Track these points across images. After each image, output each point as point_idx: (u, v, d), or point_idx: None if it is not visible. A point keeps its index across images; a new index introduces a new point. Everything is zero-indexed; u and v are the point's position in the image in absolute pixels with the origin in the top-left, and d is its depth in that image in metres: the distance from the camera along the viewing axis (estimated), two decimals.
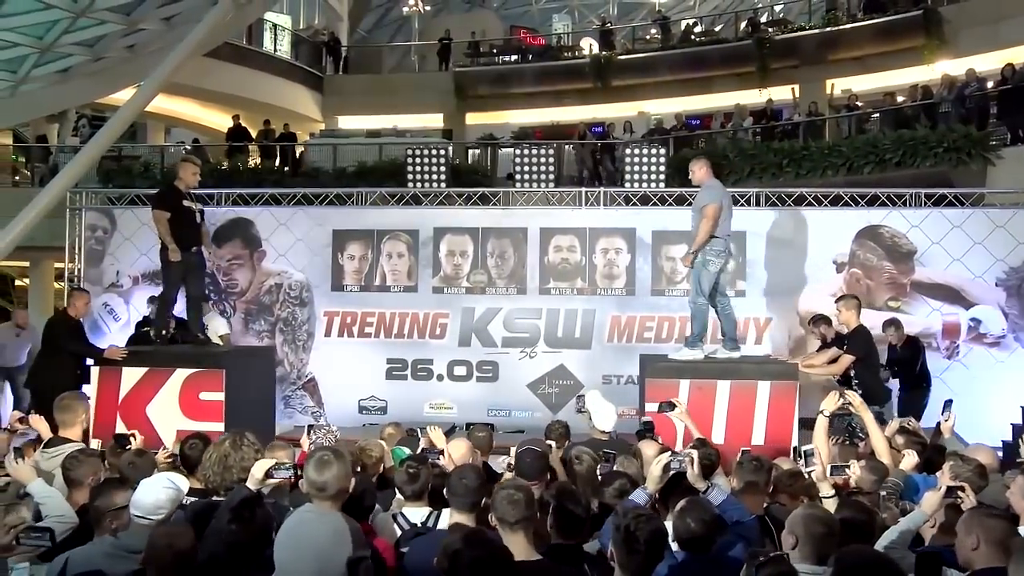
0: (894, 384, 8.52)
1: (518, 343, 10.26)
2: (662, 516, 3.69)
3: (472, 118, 22.08)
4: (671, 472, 3.82)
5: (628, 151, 11.06)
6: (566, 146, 16.24)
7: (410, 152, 11.08)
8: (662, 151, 10.88)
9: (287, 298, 10.69)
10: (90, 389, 7.25)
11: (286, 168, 16.17)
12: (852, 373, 7.48)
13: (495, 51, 23.15)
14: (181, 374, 7.13)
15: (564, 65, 21.65)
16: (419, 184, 10.88)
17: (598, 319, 10.21)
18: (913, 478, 4.68)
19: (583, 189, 11.18)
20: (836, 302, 7.70)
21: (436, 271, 10.48)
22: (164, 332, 7.87)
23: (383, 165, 14.31)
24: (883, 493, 4.33)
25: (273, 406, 8.94)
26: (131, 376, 7.18)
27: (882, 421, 7.06)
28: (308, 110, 21.63)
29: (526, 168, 10.94)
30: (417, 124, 21.16)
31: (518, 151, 11.37)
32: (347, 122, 22.10)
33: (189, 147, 17.86)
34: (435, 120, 21.98)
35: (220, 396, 7.05)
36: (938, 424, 5.90)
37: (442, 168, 10.95)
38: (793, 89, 18.44)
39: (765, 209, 10.23)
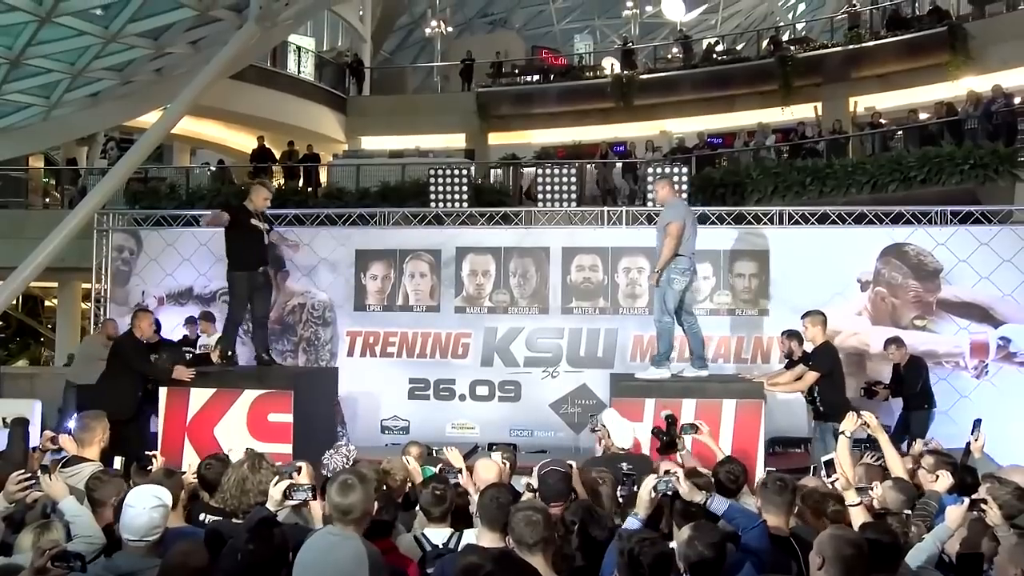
0: (897, 403, 8.48)
1: (540, 363, 10.26)
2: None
3: (494, 138, 22.16)
4: (660, 494, 3.73)
5: (650, 170, 11.09)
6: (588, 165, 16.25)
7: (433, 172, 11.17)
8: (684, 170, 10.91)
9: (310, 318, 10.75)
10: (160, 410, 7.29)
11: (310, 188, 16.30)
12: (816, 389, 7.44)
13: (517, 71, 23.26)
14: (249, 395, 7.14)
15: (586, 85, 21.73)
16: (441, 204, 10.96)
17: (620, 339, 10.21)
18: (945, 500, 4.60)
19: (605, 208, 11.23)
20: (802, 318, 7.64)
21: (458, 291, 10.52)
22: (230, 353, 7.87)
23: (406, 185, 14.35)
24: (913, 515, 4.26)
25: (336, 427, 8.90)
26: (199, 397, 7.21)
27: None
28: (331, 131, 21.78)
29: (548, 187, 10.98)
30: (440, 144, 21.23)
31: (540, 170, 11.43)
32: (370, 143, 22.22)
33: (214, 168, 18.04)
34: (458, 140, 22.08)
35: (288, 418, 7.04)
36: (968, 445, 5.81)
37: (464, 188, 11.02)
38: (816, 107, 18.35)
39: (789, 227, 10.23)
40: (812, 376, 7.37)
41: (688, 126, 19.85)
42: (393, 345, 10.49)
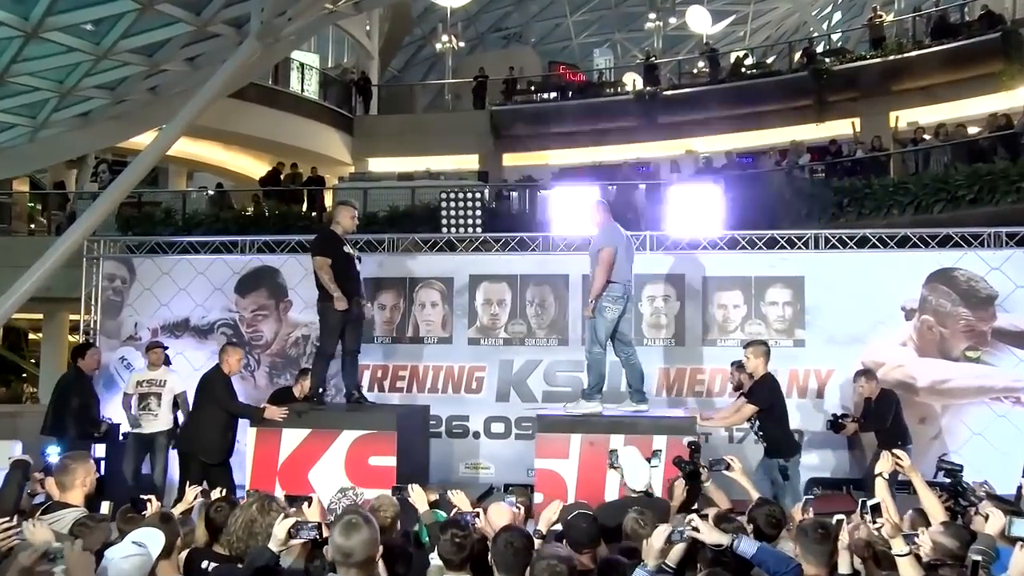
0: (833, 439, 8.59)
1: (560, 397, 9.82)
2: None
3: (509, 159, 22.30)
4: (675, 544, 3.65)
5: (676, 192, 11.05)
6: (609, 187, 16.17)
7: (444, 195, 11.16)
8: (715, 190, 10.82)
9: (314, 351, 10.64)
10: (248, 452, 7.34)
11: (314, 213, 16.36)
12: (756, 424, 7.50)
13: (533, 88, 23.51)
14: (348, 436, 7.13)
15: (606, 102, 21.85)
16: (454, 229, 10.96)
17: (645, 371, 9.96)
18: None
19: (628, 233, 11.03)
20: (745, 348, 7.72)
21: (472, 321, 10.47)
22: (321, 390, 7.90)
23: (416, 209, 14.41)
24: (978, 559, 4.14)
25: (427, 469, 8.88)
26: (292, 438, 7.21)
27: (785, 476, 7.38)
28: (337, 152, 21.94)
29: (566, 211, 10.91)
30: (451, 166, 21.33)
31: (558, 194, 11.41)
32: (378, 164, 22.38)
33: (212, 192, 18.17)
34: (470, 162, 22.22)
35: (391, 461, 7.01)
36: (1020, 488, 5.71)
37: (478, 212, 10.99)
38: (853, 123, 18.32)
39: (825, 252, 10.15)
40: (748, 410, 7.45)
41: (715, 144, 19.89)
42: (403, 379, 10.42)
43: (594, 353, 7.40)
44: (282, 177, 18.10)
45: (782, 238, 10.41)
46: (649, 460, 5.98)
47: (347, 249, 7.80)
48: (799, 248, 10.20)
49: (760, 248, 10.39)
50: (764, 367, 7.55)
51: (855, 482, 8.95)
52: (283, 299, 10.81)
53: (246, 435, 7.59)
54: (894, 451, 4.91)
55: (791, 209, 13.61)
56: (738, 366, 8.28)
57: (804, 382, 9.74)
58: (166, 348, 9.60)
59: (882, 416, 8.47)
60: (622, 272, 7.36)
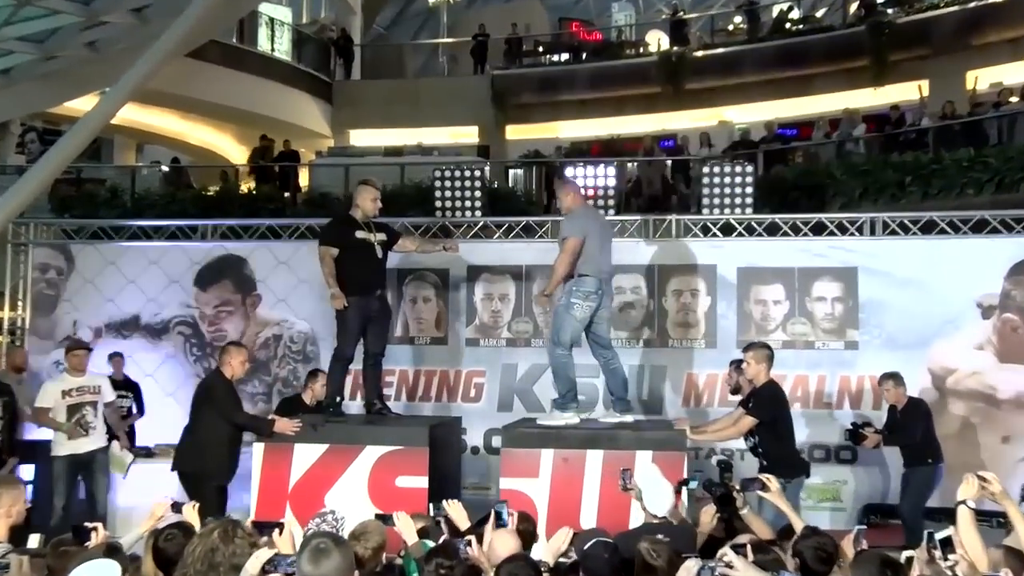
0: (893, 455, 8.60)
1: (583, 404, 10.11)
2: None
3: (514, 131, 22.30)
4: None
5: (706, 170, 11.04)
6: (629, 164, 16.27)
7: (438, 174, 11.18)
8: (748, 169, 10.80)
9: (288, 353, 10.80)
10: (254, 471, 7.37)
11: (287, 194, 16.37)
12: (755, 439, 7.46)
13: (541, 49, 23.48)
14: (372, 453, 7.16)
15: (626, 65, 21.82)
16: (449, 213, 10.97)
17: (671, 377, 10.17)
18: None
19: (651, 217, 11.17)
20: (744, 351, 7.68)
21: (470, 319, 10.53)
22: (339, 399, 7.96)
23: (405, 190, 14.40)
24: None
25: (460, 491, 8.90)
26: (306, 455, 7.25)
27: (795, 501, 7.11)
28: (314, 123, 21.97)
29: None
30: (447, 140, 21.37)
31: (570, 171, 11.42)
32: (361, 138, 22.44)
33: (166, 168, 18.17)
34: (469, 134, 22.29)
35: (423, 482, 7.03)
36: None
37: (477, 193, 11.03)
38: (920, 86, 17.88)
39: (883, 239, 10.12)
40: (747, 423, 7.38)
41: (754, 114, 19.87)
42: (390, 386, 10.35)
43: (556, 356, 7.44)
44: (274, 155, 18.18)
45: (832, 223, 10.40)
46: (684, 484, 5.98)
47: (363, 235, 7.81)
48: (852, 234, 10.17)
49: (806, 234, 10.39)
50: (766, 374, 7.50)
51: (890, 508, 9.07)
52: (251, 293, 10.87)
53: (251, 452, 7.57)
54: (980, 473, 4.72)
55: (843, 189, 13.53)
56: (736, 366, 8.25)
57: (857, 392, 9.72)
58: (90, 349, 9.39)
59: (910, 428, 8.45)
60: (596, 264, 7.37)
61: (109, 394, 9.00)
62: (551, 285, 7.44)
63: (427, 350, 10.48)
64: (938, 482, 8.30)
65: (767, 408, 7.40)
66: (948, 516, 4.73)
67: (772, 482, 5.63)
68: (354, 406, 9.30)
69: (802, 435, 9.04)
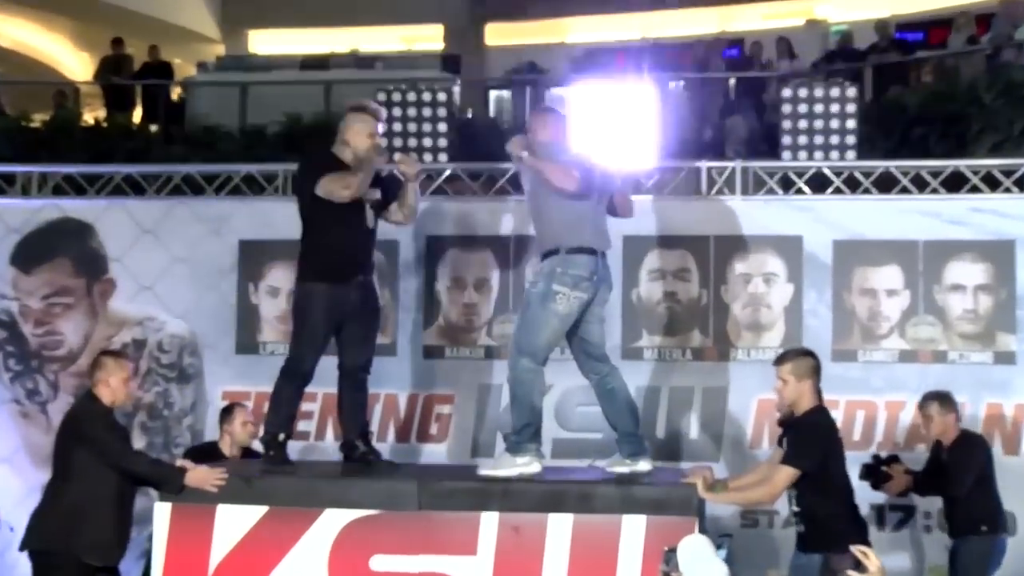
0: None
1: (581, 450, 9.70)
2: None
3: (497, 33, 22.55)
4: None
5: (788, 93, 11.04)
6: (673, 84, 16.21)
7: (383, 97, 11.06)
8: (851, 92, 10.79)
9: (155, 367, 10.79)
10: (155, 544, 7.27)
11: (153, 127, 16.44)
12: (794, 495, 7.45)
13: None
14: (334, 520, 7.07)
15: None
16: (398, 155, 10.60)
17: (733, 405, 10.10)
18: None
19: (704, 164, 11.04)
20: (776, 364, 7.70)
21: (431, 318, 10.56)
22: (283, 436, 7.87)
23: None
24: None
25: None
26: (234, 523, 7.14)
27: None
28: (194, 21, 22.33)
29: (596, 124, 10.66)
30: (396, 46, 21.68)
31: (581, 94, 11.21)
32: (265, 42, 22.83)
33: None
34: (429, 38, 22.48)
35: (413, 564, 7.03)
36: None
37: (442, 127, 11.05)
38: None
39: None
40: (786, 476, 7.26)
41: (859, 9, 19.92)
42: (309, 418, 10.22)
43: (519, 369, 7.37)
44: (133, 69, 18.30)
45: (976, 173, 10.28)
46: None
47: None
48: (1008, 191, 10.06)
49: (936, 191, 10.30)
50: (811, 397, 7.45)
51: None
52: (100, 278, 10.82)
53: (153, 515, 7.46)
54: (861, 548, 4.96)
55: (996, 122, 13.29)
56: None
57: (1016, 426, 9.64)
58: None
59: (959, 475, 8.48)
60: (591, 233, 7.37)
61: None
62: (530, 159, 7.34)
63: None
64: (998, 561, 8.45)
65: (809, 449, 7.33)
66: None
67: (871, 558, 5.41)
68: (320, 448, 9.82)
69: None
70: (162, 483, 7.36)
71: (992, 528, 8.52)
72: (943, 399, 8.73)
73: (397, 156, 8.68)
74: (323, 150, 8.13)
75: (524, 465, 7.25)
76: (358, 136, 7.80)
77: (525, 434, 7.34)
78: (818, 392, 7.47)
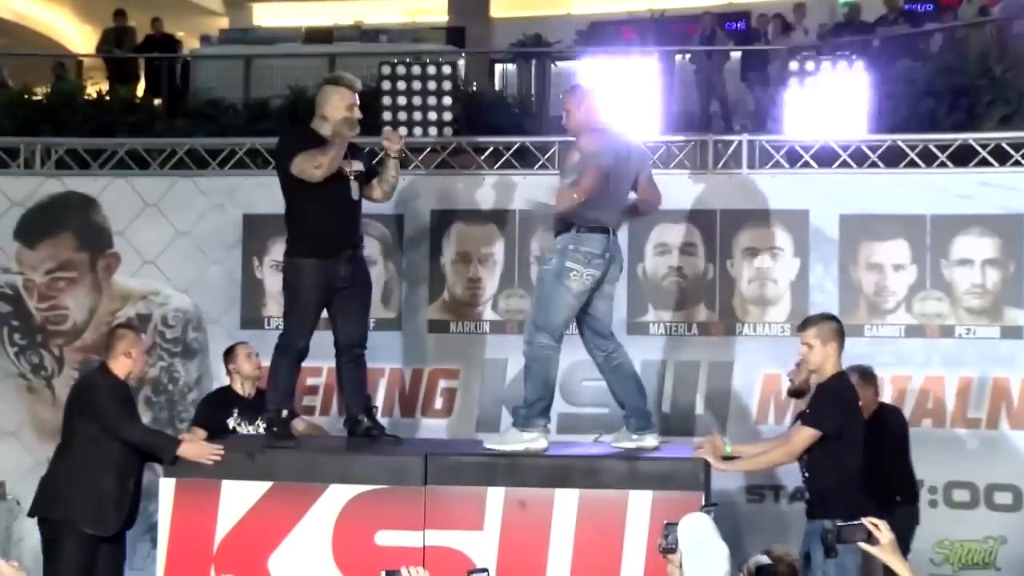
0: None
1: (585, 425, 9.94)
2: None
3: (501, 5, 22.48)
4: None
5: (794, 65, 10.97)
6: (677, 57, 16.24)
7: (387, 71, 11.11)
8: (859, 64, 10.72)
9: (160, 342, 10.82)
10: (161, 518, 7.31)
11: (157, 101, 16.51)
12: (805, 461, 7.44)
13: None
14: (339, 495, 7.12)
15: None
16: (404, 129, 10.73)
17: (739, 381, 10.15)
18: None
19: (710, 137, 11.02)
20: (800, 330, 7.66)
21: (436, 292, 10.59)
22: (286, 412, 7.86)
23: None
24: None
25: None
26: (239, 498, 7.19)
27: (830, 552, 6.77)
28: None
29: (603, 96, 10.60)
30: (400, 18, 21.89)
31: (586, 67, 11.35)
32: (269, 14, 23.03)
33: None
34: (433, 11, 22.30)
35: (416, 539, 7.06)
36: None
37: (447, 100, 11.00)
38: None
39: None
40: (805, 437, 7.30)
41: None
42: (315, 393, 10.33)
43: (537, 347, 7.39)
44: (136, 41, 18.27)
45: (984, 146, 10.21)
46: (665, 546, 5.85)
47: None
48: (1016, 164, 10.02)
49: (944, 164, 10.25)
50: (836, 362, 7.48)
51: None
52: (104, 252, 10.83)
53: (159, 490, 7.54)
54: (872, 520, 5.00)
55: (1007, 94, 13.23)
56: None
57: (1022, 403, 9.65)
58: None
59: (878, 449, 8.41)
60: (609, 211, 7.37)
61: None
62: (581, 191, 7.17)
63: (370, 339, 9.79)
64: (913, 530, 8.60)
65: (831, 411, 7.36)
66: None
67: (883, 531, 5.40)
68: (323, 422, 9.78)
69: (932, 467, 9.17)
70: (156, 452, 7.47)
71: (907, 498, 8.73)
72: (864, 372, 8.80)
73: (385, 131, 8.86)
74: (302, 126, 8.18)
75: (531, 441, 7.25)
76: (335, 110, 7.79)
77: (536, 408, 7.35)
78: (840, 355, 7.49)
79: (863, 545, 5.44)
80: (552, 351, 7.41)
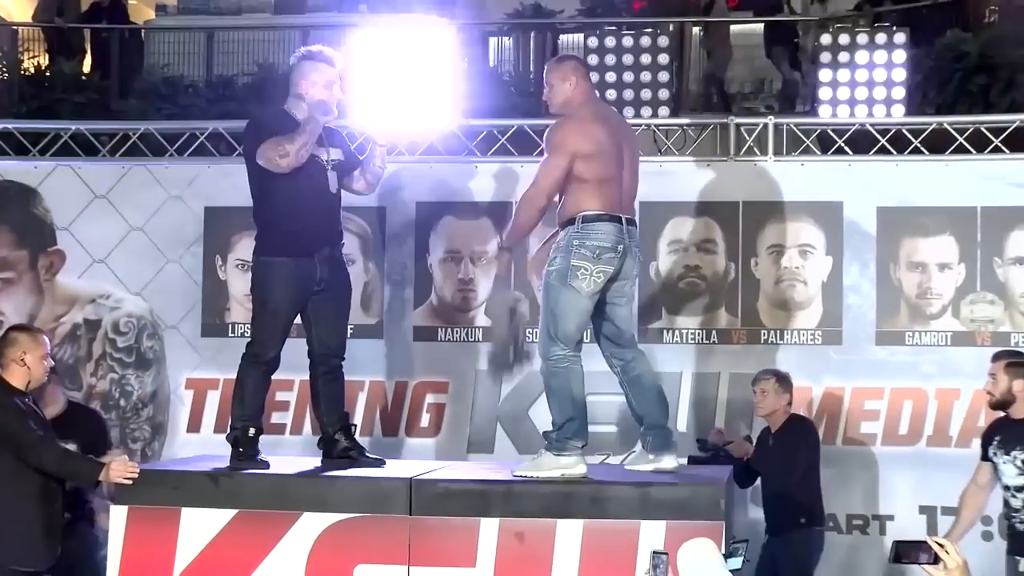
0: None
1: (592, 444, 9.47)
2: None
3: None
4: None
5: (826, 39, 11.04)
6: (695, 29, 16.28)
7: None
8: (900, 37, 10.77)
9: (111, 351, 10.89)
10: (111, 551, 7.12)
11: (106, 79, 16.61)
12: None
13: None
14: (313, 525, 6.93)
15: None
16: None
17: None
18: None
19: (731, 120, 11.05)
20: (994, 361, 7.92)
21: (422, 295, 10.67)
22: (253, 430, 7.61)
23: None
24: None
25: None
26: (200, 526, 7.00)
27: None
28: None
29: (608, 78, 10.95)
30: None
31: (593, 41, 11.37)
32: None
33: None
34: None
35: (400, 573, 6.89)
36: None
37: None
38: None
39: None
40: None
41: None
42: (286, 410, 10.32)
43: (553, 359, 7.16)
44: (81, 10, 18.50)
45: None
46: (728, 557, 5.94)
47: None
48: None
49: (997, 150, 10.20)
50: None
51: None
52: (45, 249, 10.92)
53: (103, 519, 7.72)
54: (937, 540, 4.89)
55: None
56: (1010, 363, 7.88)
57: None
58: None
59: (789, 460, 9.00)
60: (614, 197, 7.11)
61: None
62: (515, 233, 7.46)
63: (349, 348, 9.51)
64: (817, 555, 9.08)
65: None
66: None
67: (951, 553, 5.15)
68: (295, 442, 9.96)
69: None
70: (77, 477, 7.45)
71: (811, 520, 9.02)
72: (781, 378, 9.20)
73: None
74: (273, 108, 8.02)
75: (569, 467, 7.06)
76: (313, 88, 7.54)
77: (567, 430, 7.13)
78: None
79: (927, 568, 5.17)
80: (571, 362, 7.18)
